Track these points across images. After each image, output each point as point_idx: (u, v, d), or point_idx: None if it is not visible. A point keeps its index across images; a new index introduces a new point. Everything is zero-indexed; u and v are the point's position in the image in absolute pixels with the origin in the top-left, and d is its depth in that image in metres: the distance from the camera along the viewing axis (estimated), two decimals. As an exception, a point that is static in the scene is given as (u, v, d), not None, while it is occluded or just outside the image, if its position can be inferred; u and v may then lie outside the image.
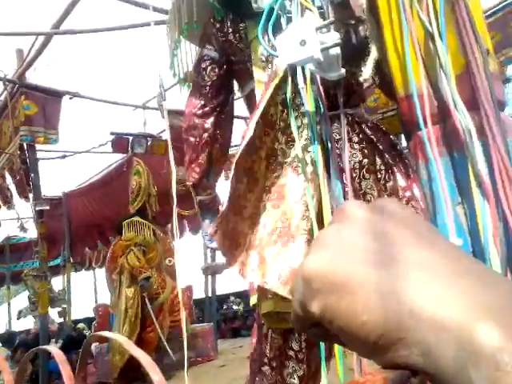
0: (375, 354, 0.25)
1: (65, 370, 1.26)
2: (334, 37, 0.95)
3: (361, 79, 1.21)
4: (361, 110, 1.50)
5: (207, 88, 1.61)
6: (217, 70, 1.58)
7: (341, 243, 0.28)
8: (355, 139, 1.42)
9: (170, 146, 1.86)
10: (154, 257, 5.33)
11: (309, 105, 1.12)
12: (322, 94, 1.17)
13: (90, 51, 4.92)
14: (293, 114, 1.17)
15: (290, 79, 1.16)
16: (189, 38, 1.70)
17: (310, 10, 1.03)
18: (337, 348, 1.05)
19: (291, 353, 1.37)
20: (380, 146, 1.42)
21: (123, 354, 4.69)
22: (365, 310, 0.25)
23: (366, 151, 1.41)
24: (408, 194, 1.30)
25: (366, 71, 1.16)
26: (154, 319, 4.89)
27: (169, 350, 4.47)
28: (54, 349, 1.41)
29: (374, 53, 1.12)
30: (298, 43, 0.92)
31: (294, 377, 1.35)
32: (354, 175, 1.39)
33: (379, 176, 1.40)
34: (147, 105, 5.97)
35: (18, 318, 8.93)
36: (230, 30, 1.51)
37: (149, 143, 5.80)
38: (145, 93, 5.86)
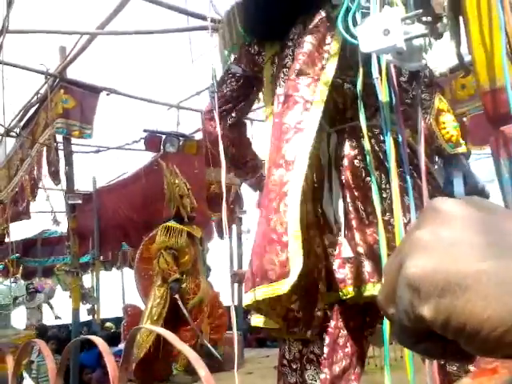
0: (499, 350, 0.25)
1: (109, 360, 1.21)
2: (419, 28, 0.98)
3: (437, 73, 1.24)
4: (375, 120, 1.46)
5: (222, 97, 1.76)
6: (234, 83, 1.72)
7: (443, 243, 0.27)
8: (358, 155, 1.41)
9: (219, 148, 1.87)
10: (187, 261, 5.33)
11: (383, 96, 1.14)
12: (396, 85, 1.18)
13: (129, 51, 4.99)
14: (362, 108, 1.18)
15: (361, 71, 1.17)
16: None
17: (394, 3, 1.06)
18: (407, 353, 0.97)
19: (312, 356, 1.36)
20: (386, 163, 1.36)
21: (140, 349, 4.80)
22: (487, 305, 0.24)
23: (369, 168, 1.36)
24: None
25: (444, 66, 1.18)
26: (190, 320, 4.88)
27: (213, 351, 4.43)
28: (98, 339, 1.36)
29: (455, 49, 1.15)
30: (381, 32, 0.96)
31: (316, 379, 1.33)
32: (357, 194, 1.37)
33: (384, 195, 1.37)
34: (181, 105, 5.98)
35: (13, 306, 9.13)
36: (256, 51, 1.64)
37: (181, 143, 5.81)
38: (179, 93, 5.90)
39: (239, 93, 1.70)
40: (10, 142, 6.41)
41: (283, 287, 1.13)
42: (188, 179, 6.20)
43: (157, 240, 5.35)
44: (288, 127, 1.27)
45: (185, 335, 4.90)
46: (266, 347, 7.33)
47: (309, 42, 1.36)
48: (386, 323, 1.01)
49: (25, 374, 5.01)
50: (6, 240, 7.28)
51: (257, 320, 1.34)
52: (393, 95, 1.17)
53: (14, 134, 5.84)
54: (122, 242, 8.38)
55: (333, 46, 1.34)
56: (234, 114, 1.73)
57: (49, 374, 1.48)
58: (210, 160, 6.02)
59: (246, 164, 1.81)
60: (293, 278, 1.12)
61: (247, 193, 6.91)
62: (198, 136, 6.17)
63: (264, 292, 1.15)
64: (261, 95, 1.85)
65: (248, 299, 1.18)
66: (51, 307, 8.99)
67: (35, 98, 5.64)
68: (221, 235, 7.62)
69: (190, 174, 6.41)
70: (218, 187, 6.39)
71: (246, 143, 1.81)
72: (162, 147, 5.64)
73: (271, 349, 6.86)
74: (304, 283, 1.26)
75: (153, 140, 5.59)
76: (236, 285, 7.08)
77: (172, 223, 5.41)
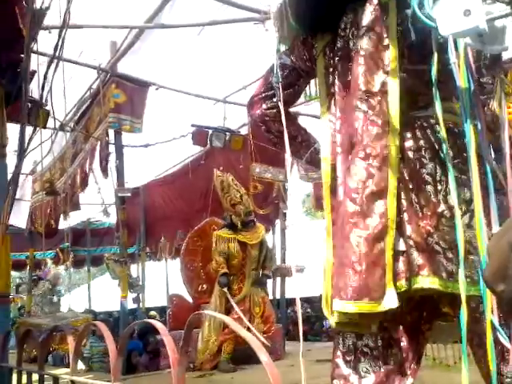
0: None
1: (169, 342, 1.28)
2: (502, 8, 0.93)
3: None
4: (431, 110, 1.41)
5: (268, 83, 1.80)
6: (281, 73, 1.73)
7: None
8: (412, 146, 1.38)
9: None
10: (235, 265, 5.46)
11: (461, 81, 1.10)
12: (474, 70, 1.15)
13: (177, 45, 5.07)
14: (438, 96, 1.14)
15: (435, 56, 1.13)
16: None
17: None
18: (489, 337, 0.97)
19: (366, 349, 1.35)
20: (442, 154, 1.35)
21: (207, 345, 5.06)
22: None
23: (424, 160, 1.36)
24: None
25: None
26: (238, 310, 5.01)
27: (262, 338, 4.50)
28: (158, 323, 1.44)
29: None
30: (462, 13, 0.92)
31: (370, 371, 1.33)
32: (411, 186, 1.34)
33: (439, 187, 1.33)
34: (228, 99, 6.04)
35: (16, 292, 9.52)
36: (309, 45, 1.65)
37: (227, 137, 5.86)
38: (226, 88, 5.96)
39: (285, 82, 1.71)
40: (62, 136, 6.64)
41: (386, 305, 1.22)
42: (234, 174, 6.27)
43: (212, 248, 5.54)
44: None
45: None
46: (307, 341, 7.37)
47: (367, 34, 1.34)
48: (464, 317, 0.99)
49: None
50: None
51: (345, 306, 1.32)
52: (454, 83, 1.13)
53: (68, 128, 6.07)
54: (175, 232, 8.53)
55: (390, 31, 1.34)
56: (275, 99, 1.76)
57: (109, 355, 1.57)
58: (256, 155, 6.13)
59: (295, 139, 1.78)
60: (394, 302, 1.23)
61: (291, 189, 6.92)
62: (244, 131, 6.23)
63: (363, 306, 1.21)
64: (309, 88, 1.86)
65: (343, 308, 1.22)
66: (59, 296, 9.34)
67: (88, 92, 5.85)
68: (264, 230, 7.66)
69: (236, 168, 6.49)
70: (258, 185, 6.44)
71: (290, 118, 1.79)
72: (208, 142, 5.72)
73: (313, 343, 6.89)
74: None
75: (200, 135, 5.68)
76: (278, 278, 7.13)
77: (223, 232, 5.55)
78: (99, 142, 5.55)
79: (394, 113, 1.31)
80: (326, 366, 4.19)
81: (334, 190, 1.40)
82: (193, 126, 5.67)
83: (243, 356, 5.30)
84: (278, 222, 7.42)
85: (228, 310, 5.16)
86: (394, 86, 1.32)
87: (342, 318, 1.27)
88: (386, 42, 1.34)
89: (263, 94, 1.79)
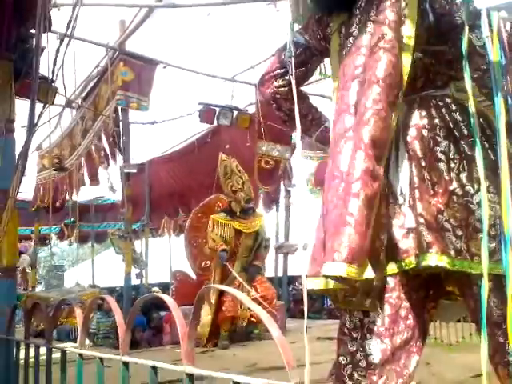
0: None
1: (178, 316, 1.32)
2: None
3: None
4: (448, 90, 1.45)
5: (279, 62, 1.79)
6: (294, 51, 1.71)
7: None
8: (427, 125, 1.38)
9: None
10: (228, 250, 5.49)
11: (494, 55, 1.10)
12: (506, 45, 1.14)
13: (186, 24, 5.04)
14: (469, 71, 1.12)
15: (466, 29, 1.12)
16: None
17: None
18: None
19: (372, 326, 1.35)
20: (456, 133, 1.36)
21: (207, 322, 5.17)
22: None
23: (438, 138, 1.36)
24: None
25: None
26: (240, 279, 5.18)
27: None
28: (166, 297, 1.47)
29: None
30: None
31: (376, 349, 1.33)
32: (424, 164, 1.34)
33: (452, 165, 1.34)
34: (236, 78, 6.01)
35: None
36: (324, 23, 1.62)
37: (234, 116, 5.87)
38: (234, 66, 5.93)
39: (297, 61, 1.70)
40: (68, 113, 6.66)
41: (367, 274, 1.21)
42: (239, 152, 6.28)
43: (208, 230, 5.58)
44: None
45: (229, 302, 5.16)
46: (309, 319, 7.47)
47: (391, 7, 1.33)
48: (485, 293, 1.00)
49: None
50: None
51: (314, 282, 1.33)
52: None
53: (75, 105, 6.07)
54: (178, 209, 8.58)
55: (409, 10, 1.33)
56: (286, 77, 1.75)
57: (116, 330, 1.61)
58: (263, 133, 6.15)
59: (305, 117, 1.78)
60: (370, 273, 1.22)
61: (296, 167, 6.95)
62: (252, 109, 6.22)
63: (352, 272, 1.18)
64: (323, 66, 1.87)
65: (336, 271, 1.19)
66: (62, 270, 9.47)
67: (95, 70, 5.84)
68: (267, 207, 7.72)
69: (242, 147, 6.50)
70: (267, 162, 6.47)
71: (302, 96, 1.78)
72: (215, 120, 5.72)
73: (314, 320, 6.98)
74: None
75: (207, 113, 5.69)
76: (281, 256, 7.22)
77: (219, 216, 5.56)
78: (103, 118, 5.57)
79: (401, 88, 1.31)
80: (326, 344, 4.29)
81: None
82: (200, 104, 5.67)
83: (242, 333, 5.42)
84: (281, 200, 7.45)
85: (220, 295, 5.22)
86: (407, 62, 1.33)
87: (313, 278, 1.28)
88: (405, 18, 1.34)
89: (275, 72, 1.78)
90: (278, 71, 1.77)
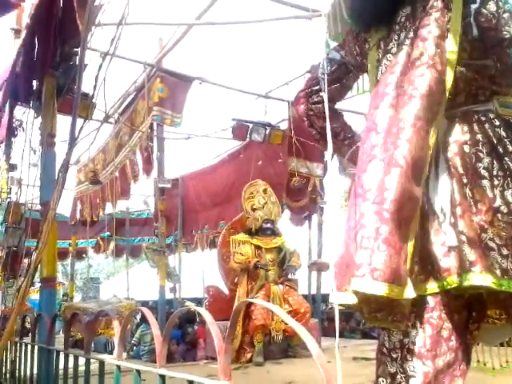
0: None
1: (215, 330, 1.32)
2: None
3: None
4: (491, 104, 1.40)
5: (314, 79, 1.79)
6: (329, 68, 1.72)
7: None
8: (469, 140, 1.34)
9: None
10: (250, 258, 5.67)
11: None
12: None
13: (222, 41, 5.14)
14: None
15: None
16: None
17: None
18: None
19: (413, 347, 1.30)
20: (500, 149, 1.32)
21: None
22: None
23: (480, 154, 1.32)
24: None
25: None
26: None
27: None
28: (203, 310, 1.48)
29: None
30: None
31: (418, 371, 1.28)
32: (465, 181, 1.30)
33: (496, 182, 1.29)
34: (269, 94, 6.06)
35: None
36: (363, 39, 1.62)
37: (267, 132, 5.90)
38: (268, 83, 6.00)
39: (332, 77, 1.70)
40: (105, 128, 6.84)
41: (407, 294, 1.19)
42: (271, 168, 6.30)
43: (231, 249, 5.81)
44: (404, 123, 1.24)
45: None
46: (343, 337, 7.33)
47: (435, 22, 1.31)
48: None
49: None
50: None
51: (343, 297, 1.30)
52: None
53: (112, 120, 6.24)
54: (205, 225, 8.67)
55: (452, 24, 1.31)
56: (321, 94, 1.74)
57: (154, 341, 1.62)
58: (294, 150, 6.15)
59: (337, 136, 1.76)
60: (412, 292, 1.20)
61: (328, 184, 6.92)
62: (284, 126, 6.24)
63: (393, 291, 1.16)
64: (360, 83, 1.85)
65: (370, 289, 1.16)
66: (98, 283, 9.62)
67: (133, 86, 6.00)
68: (297, 223, 7.66)
69: (274, 163, 6.51)
70: (296, 179, 6.46)
71: (335, 114, 1.77)
72: (248, 136, 5.77)
73: (349, 340, 6.85)
74: None
75: (240, 129, 5.74)
76: (315, 273, 7.13)
77: (239, 236, 5.84)
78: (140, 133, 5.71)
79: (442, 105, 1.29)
80: (362, 364, 4.16)
81: None
82: (233, 119, 5.73)
83: (277, 349, 5.36)
84: (314, 217, 7.40)
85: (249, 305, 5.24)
86: (449, 77, 1.30)
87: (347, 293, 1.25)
88: (448, 32, 1.31)
89: (309, 89, 1.79)
90: (313, 88, 1.77)
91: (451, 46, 1.31)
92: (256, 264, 5.56)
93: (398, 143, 1.24)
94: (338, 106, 1.89)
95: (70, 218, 8.78)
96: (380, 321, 1.31)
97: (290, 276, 5.82)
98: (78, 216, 8.54)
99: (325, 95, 1.44)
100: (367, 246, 1.19)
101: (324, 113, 1.64)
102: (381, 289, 1.14)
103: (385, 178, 1.22)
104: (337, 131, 1.77)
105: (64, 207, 8.67)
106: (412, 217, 1.22)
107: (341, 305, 1.34)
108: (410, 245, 1.22)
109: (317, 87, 1.76)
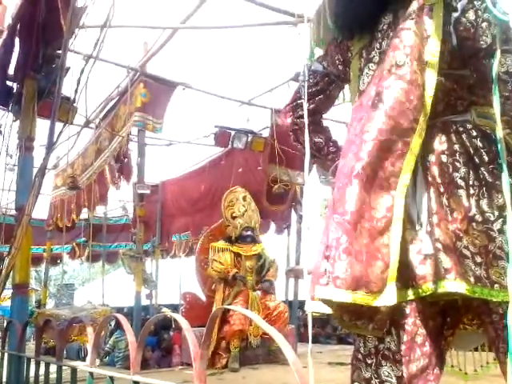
0: None
1: (191, 336, 1.31)
2: None
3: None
4: (469, 115, 1.43)
5: (298, 92, 1.80)
6: (312, 80, 1.74)
7: None
8: (446, 150, 1.36)
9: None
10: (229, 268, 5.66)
11: None
12: None
13: (206, 47, 5.15)
14: (497, 91, 1.09)
15: (498, 53, 1.10)
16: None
17: None
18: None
19: (388, 353, 1.32)
20: (476, 159, 1.34)
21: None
22: None
23: (457, 164, 1.34)
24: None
25: None
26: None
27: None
28: (179, 317, 1.46)
29: None
30: None
31: (392, 376, 1.31)
32: (442, 190, 1.32)
33: (471, 191, 1.31)
34: (252, 101, 6.09)
35: None
36: (345, 47, 1.62)
37: (249, 139, 5.92)
38: (251, 90, 6.02)
39: (316, 89, 1.72)
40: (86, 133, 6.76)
41: (383, 301, 1.20)
42: (252, 175, 6.31)
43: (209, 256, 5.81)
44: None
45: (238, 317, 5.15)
46: (319, 343, 7.35)
47: (410, 30, 1.32)
48: (510, 319, 0.97)
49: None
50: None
51: (318, 305, 1.30)
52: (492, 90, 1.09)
53: (92, 125, 6.17)
54: (188, 231, 8.62)
55: (433, 31, 1.31)
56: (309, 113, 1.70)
57: (129, 348, 1.60)
58: (276, 157, 6.17)
59: (320, 151, 1.77)
60: (392, 299, 1.20)
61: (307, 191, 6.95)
62: (267, 133, 6.28)
63: (359, 298, 1.17)
64: (342, 93, 1.87)
65: (336, 296, 1.17)
66: (72, 289, 9.50)
67: (116, 91, 5.95)
68: (278, 231, 7.70)
69: (254, 170, 6.53)
70: (278, 186, 6.48)
71: (320, 129, 1.79)
72: (230, 143, 5.78)
73: (324, 345, 6.87)
74: None
75: (222, 135, 5.75)
76: (291, 280, 7.15)
77: (218, 243, 5.81)
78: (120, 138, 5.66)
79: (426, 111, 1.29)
80: (337, 369, 4.16)
81: None
82: (216, 126, 5.73)
83: (252, 355, 5.34)
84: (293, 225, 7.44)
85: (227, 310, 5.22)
86: (431, 79, 1.31)
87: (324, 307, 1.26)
88: (429, 38, 1.32)
89: (294, 103, 1.79)
90: (298, 102, 1.77)
91: (433, 48, 1.31)
92: (235, 275, 5.55)
93: (360, 155, 1.25)
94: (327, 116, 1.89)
95: (45, 224, 8.61)
96: (360, 328, 1.32)
97: (268, 290, 5.77)
98: (53, 221, 8.39)
99: (304, 103, 1.45)
100: (329, 255, 1.21)
101: (308, 126, 1.66)
102: (344, 296, 1.16)
103: (347, 189, 1.24)
104: (320, 146, 1.77)
105: (39, 212, 8.53)
106: (380, 227, 1.23)
107: (318, 312, 1.34)
108: (389, 252, 1.23)
109: (301, 100, 1.75)
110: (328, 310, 1.29)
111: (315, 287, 1.21)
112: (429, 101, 1.31)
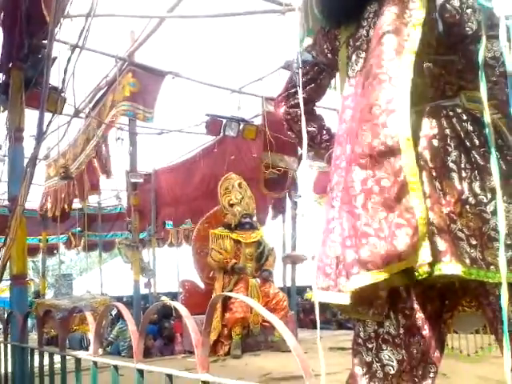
0: None
1: (191, 324, 1.32)
2: None
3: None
4: (459, 99, 1.43)
5: (290, 82, 1.81)
6: (302, 70, 1.74)
7: None
8: (437, 135, 1.37)
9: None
10: (231, 257, 5.68)
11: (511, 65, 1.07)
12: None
13: (195, 36, 5.09)
14: (483, 78, 1.07)
15: (483, 39, 1.09)
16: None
17: None
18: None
19: (388, 336, 1.35)
20: (467, 143, 1.35)
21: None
22: None
23: (448, 148, 1.35)
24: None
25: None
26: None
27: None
28: (179, 305, 1.47)
29: None
30: None
31: (393, 359, 1.33)
32: (435, 174, 1.33)
33: (463, 175, 1.32)
34: (243, 90, 6.06)
35: None
36: (333, 36, 1.63)
37: (240, 127, 5.91)
38: (242, 77, 6.00)
39: (307, 78, 1.72)
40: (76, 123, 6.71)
41: (422, 258, 1.20)
42: (245, 163, 6.31)
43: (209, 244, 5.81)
44: (379, 109, 1.25)
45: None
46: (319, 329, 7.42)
47: (390, 11, 1.32)
48: (504, 300, 0.98)
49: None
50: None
51: (326, 295, 1.33)
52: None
53: (82, 114, 6.12)
54: (185, 219, 8.64)
55: (416, 15, 1.30)
56: (297, 96, 1.72)
57: (132, 337, 1.61)
58: (269, 144, 6.18)
59: (314, 140, 1.77)
60: (427, 256, 1.20)
61: (303, 178, 6.99)
62: (258, 121, 6.26)
63: (395, 267, 1.19)
64: (333, 81, 1.87)
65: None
66: (70, 279, 9.55)
67: (104, 81, 5.89)
68: (274, 217, 7.73)
69: (248, 157, 6.53)
70: (273, 172, 6.49)
71: (313, 117, 1.79)
72: (222, 131, 5.76)
73: (325, 330, 6.94)
74: None
75: (214, 124, 5.73)
76: (289, 266, 7.20)
77: (218, 230, 5.82)
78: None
79: (409, 75, 1.27)
80: (338, 354, 4.22)
81: None
82: (207, 115, 5.71)
83: (254, 342, 5.40)
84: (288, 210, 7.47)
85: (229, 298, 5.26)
86: (416, 35, 1.29)
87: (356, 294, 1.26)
88: (411, 24, 1.30)
89: (286, 93, 1.79)
90: (290, 91, 1.78)
91: (416, 35, 1.30)
92: (233, 266, 5.58)
93: (358, 139, 1.27)
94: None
95: (38, 213, 8.58)
96: (361, 314, 1.34)
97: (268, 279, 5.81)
98: (46, 210, 8.36)
99: (299, 91, 1.44)
100: (351, 243, 1.23)
101: (301, 117, 1.66)
102: (378, 276, 1.18)
103: (348, 176, 1.25)
104: (313, 135, 1.78)
105: (33, 203, 8.50)
106: (394, 194, 1.22)
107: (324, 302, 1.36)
108: (414, 213, 1.20)
109: (293, 90, 1.76)
110: (337, 300, 1.31)
111: (350, 278, 1.22)
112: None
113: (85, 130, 6.55)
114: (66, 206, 7.70)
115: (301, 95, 1.47)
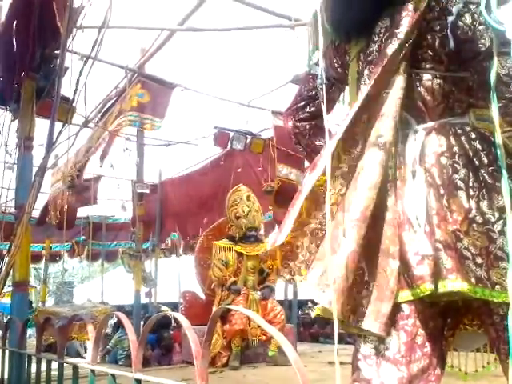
0: None
1: (192, 335, 1.32)
2: None
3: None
4: (468, 118, 1.43)
5: (299, 95, 1.82)
6: (312, 83, 1.76)
7: None
8: (446, 152, 1.37)
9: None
10: (230, 273, 5.65)
11: None
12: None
13: (205, 49, 5.17)
14: (495, 98, 1.09)
15: (495, 59, 1.11)
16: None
17: None
18: None
19: (388, 353, 1.32)
20: (476, 161, 1.35)
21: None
22: None
23: (457, 166, 1.35)
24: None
25: None
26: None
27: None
28: (180, 316, 1.47)
29: None
30: None
31: (393, 377, 1.30)
32: (442, 191, 1.33)
33: (471, 193, 1.32)
34: (251, 103, 6.11)
35: None
36: (343, 50, 1.63)
37: (248, 140, 5.94)
38: (250, 91, 6.05)
39: (315, 92, 1.73)
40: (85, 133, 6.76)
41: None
42: (251, 176, 6.33)
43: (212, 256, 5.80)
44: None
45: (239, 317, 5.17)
46: (318, 343, 7.38)
47: (398, 34, 1.35)
48: (511, 318, 0.98)
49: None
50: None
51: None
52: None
53: (91, 124, 6.18)
54: (185, 231, 8.64)
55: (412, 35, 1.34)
56: (307, 109, 1.77)
57: (131, 346, 1.61)
58: (281, 157, 6.18)
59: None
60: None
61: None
62: (265, 135, 6.30)
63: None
64: (342, 96, 1.88)
65: None
66: (71, 287, 9.53)
67: (114, 91, 5.97)
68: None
69: (254, 170, 6.56)
70: (281, 183, 6.49)
71: (321, 133, 1.78)
72: (229, 144, 5.80)
73: (324, 345, 6.89)
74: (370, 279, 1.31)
75: (222, 137, 5.76)
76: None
77: (221, 242, 5.77)
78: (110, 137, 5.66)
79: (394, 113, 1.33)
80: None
81: None
82: (215, 128, 5.75)
83: (252, 354, 5.36)
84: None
85: (228, 310, 5.22)
86: (399, 83, 1.35)
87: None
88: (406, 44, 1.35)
89: (295, 107, 1.80)
90: (298, 105, 1.78)
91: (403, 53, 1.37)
92: (230, 287, 5.53)
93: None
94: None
95: (37, 220, 8.58)
96: (363, 329, 1.32)
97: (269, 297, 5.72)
98: (49, 217, 8.37)
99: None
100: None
101: (309, 130, 1.69)
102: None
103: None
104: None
105: (38, 211, 8.50)
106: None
107: (318, 314, 1.38)
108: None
109: (301, 104, 1.77)
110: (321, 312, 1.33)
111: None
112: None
113: (88, 140, 6.60)
114: (76, 215, 7.70)
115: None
